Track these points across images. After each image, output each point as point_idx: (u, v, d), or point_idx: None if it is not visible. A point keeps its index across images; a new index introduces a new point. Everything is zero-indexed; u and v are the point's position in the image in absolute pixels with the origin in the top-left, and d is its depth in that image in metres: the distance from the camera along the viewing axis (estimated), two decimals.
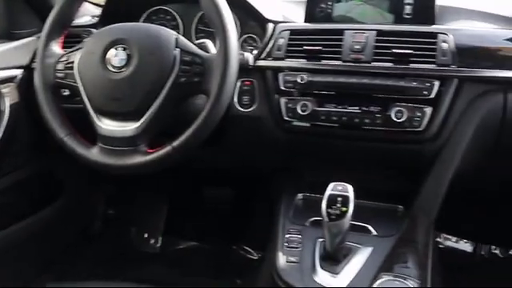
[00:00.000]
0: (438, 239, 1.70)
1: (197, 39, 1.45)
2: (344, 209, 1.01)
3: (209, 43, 1.21)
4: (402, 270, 1.04)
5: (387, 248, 1.10)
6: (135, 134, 1.08)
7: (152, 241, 1.91)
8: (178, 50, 1.09)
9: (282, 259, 1.10)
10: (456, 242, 1.74)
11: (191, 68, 1.08)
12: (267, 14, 1.35)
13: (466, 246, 1.72)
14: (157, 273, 1.76)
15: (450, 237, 1.75)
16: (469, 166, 1.20)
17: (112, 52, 1.10)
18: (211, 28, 1.10)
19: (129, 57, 1.09)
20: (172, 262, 1.83)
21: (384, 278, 1.01)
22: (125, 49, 1.10)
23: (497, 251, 1.68)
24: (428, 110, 1.15)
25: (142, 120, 1.08)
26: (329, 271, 1.06)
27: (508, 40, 1.23)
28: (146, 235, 1.92)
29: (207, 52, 1.14)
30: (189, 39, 1.15)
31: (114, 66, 1.09)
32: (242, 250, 1.84)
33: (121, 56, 1.09)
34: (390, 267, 1.05)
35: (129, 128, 1.08)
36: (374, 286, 0.99)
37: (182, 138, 1.07)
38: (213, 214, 1.90)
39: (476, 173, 1.25)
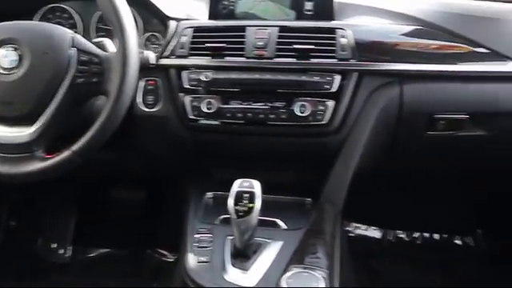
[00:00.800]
0: (348, 228, 1.76)
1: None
2: (251, 205, 1.01)
3: (107, 42, 1.17)
4: (310, 262, 1.05)
5: (296, 241, 1.11)
6: (30, 140, 1.03)
7: (61, 251, 1.82)
8: (74, 49, 1.05)
9: (192, 260, 1.08)
10: (365, 229, 1.81)
11: (89, 68, 1.05)
12: (169, 12, 1.32)
13: (374, 232, 1.79)
14: (67, 283, 1.68)
15: (359, 225, 1.81)
16: (372, 156, 1.25)
17: (1, 52, 1.03)
18: (109, 26, 1.06)
19: (20, 57, 1.03)
20: (83, 272, 1.76)
21: (293, 271, 1.02)
22: (15, 49, 1.04)
23: (403, 235, 1.76)
24: (330, 104, 1.18)
25: (38, 124, 1.02)
26: (239, 268, 1.05)
27: (403, 35, 1.29)
28: (54, 245, 1.83)
29: (106, 51, 1.10)
30: (89, 39, 1.11)
31: (3, 68, 1.03)
32: (156, 253, 1.81)
33: (11, 57, 1.03)
34: (299, 259, 1.06)
35: (23, 133, 1.03)
36: (283, 279, 0.99)
37: (82, 141, 1.02)
38: (124, 218, 1.84)
39: (379, 162, 1.30)
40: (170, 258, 1.79)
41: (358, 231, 1.82)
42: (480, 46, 1.26)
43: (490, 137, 1.26)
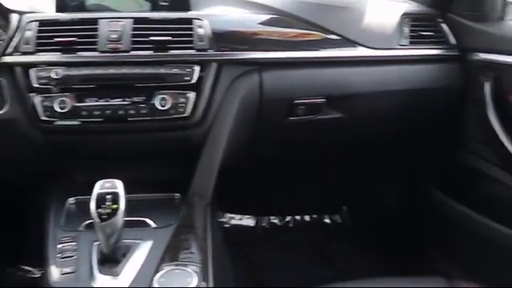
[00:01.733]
0: (223, 219, 1.76)
1: None
2: (115, 206, 0.95)
3: None
4: (183, 258, 1.03)
5: (167, 238, 1.08)
6: None
7: None
8: None
9: (55, 273, 0.99)
10: (240, 219, 1.83)
11: None
12: (10, 4, 1.20)
13: (248, 221, 1.82)
14: None
15: (234, 215, 1.82)
16: (237, 145, 1.26)
17: None
18: None
19: None
20: None
21: (165, 269, 0.98)
22: None
23: (276, 221, 1.81)
24: (191, 96, 1.16)
25: None
26: (108, 274, 0.99)
27: (261, 24, 1.31)
28: None
29: None
30: None
31: None
32: (20, 270, 1.66)
33: None
34: (171, 257, 1.03)
35: None
36: (155, 279, 0.96)
37: None
38: None
39: (245, 150, 1.31)
40: (37, 274, 1.65)
41: (233, 221, 1.83)
42: (332, 33, 1.32)
43: (346, 118, 1.33)
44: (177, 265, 1.00)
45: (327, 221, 1.81)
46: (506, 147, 1.22)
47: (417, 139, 1.49)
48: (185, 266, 0.99)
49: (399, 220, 1.67)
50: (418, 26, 1.40)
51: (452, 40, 1.41)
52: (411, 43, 1.37)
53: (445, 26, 1.43)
